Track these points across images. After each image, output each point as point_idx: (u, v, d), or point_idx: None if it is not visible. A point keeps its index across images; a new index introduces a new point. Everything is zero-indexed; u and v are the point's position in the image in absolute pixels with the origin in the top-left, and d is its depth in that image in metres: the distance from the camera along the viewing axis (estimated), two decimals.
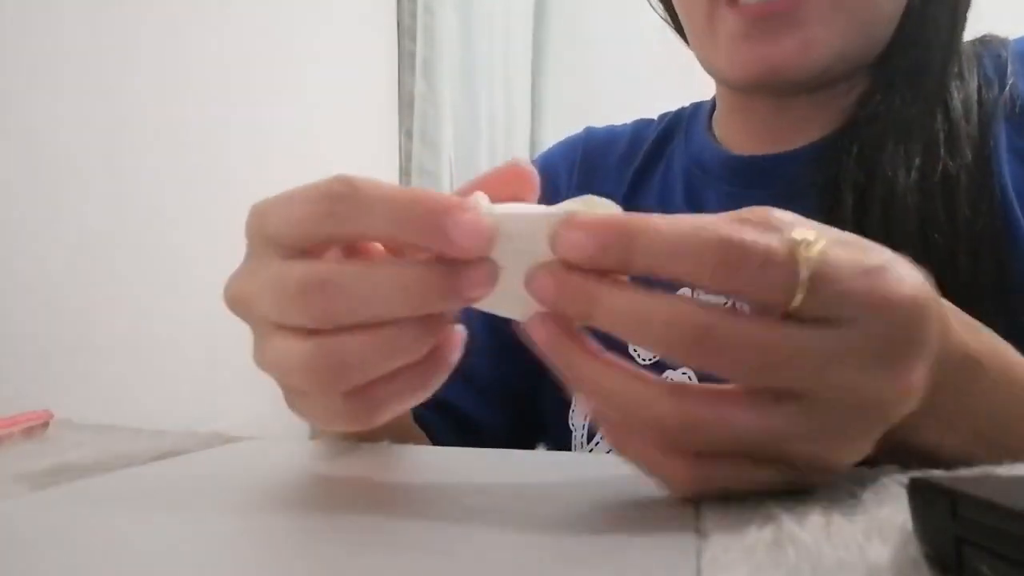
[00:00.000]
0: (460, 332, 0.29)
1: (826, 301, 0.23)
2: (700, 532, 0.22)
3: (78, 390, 0.93)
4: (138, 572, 0.20)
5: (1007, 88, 0.48)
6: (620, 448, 0.26)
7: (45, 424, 0.45)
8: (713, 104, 0.62)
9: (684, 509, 0.24)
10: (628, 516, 0.24)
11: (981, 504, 0.17)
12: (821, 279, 0.23)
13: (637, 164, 0.61)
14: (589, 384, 0.25)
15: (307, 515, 0.26)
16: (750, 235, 0.23)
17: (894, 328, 0.24)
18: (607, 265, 0.24)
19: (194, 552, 0.21)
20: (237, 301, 0.29)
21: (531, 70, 2.02)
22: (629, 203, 0.58)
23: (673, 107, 0.67)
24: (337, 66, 1.51)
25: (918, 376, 0.25)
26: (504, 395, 0.59)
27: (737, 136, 0.57)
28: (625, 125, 0.66)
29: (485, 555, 0.21)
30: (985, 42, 0.52)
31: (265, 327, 0.28)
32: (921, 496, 0.19)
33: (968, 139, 0.46)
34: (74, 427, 0.46)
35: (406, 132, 1.67)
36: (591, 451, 0.53)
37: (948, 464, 0.27)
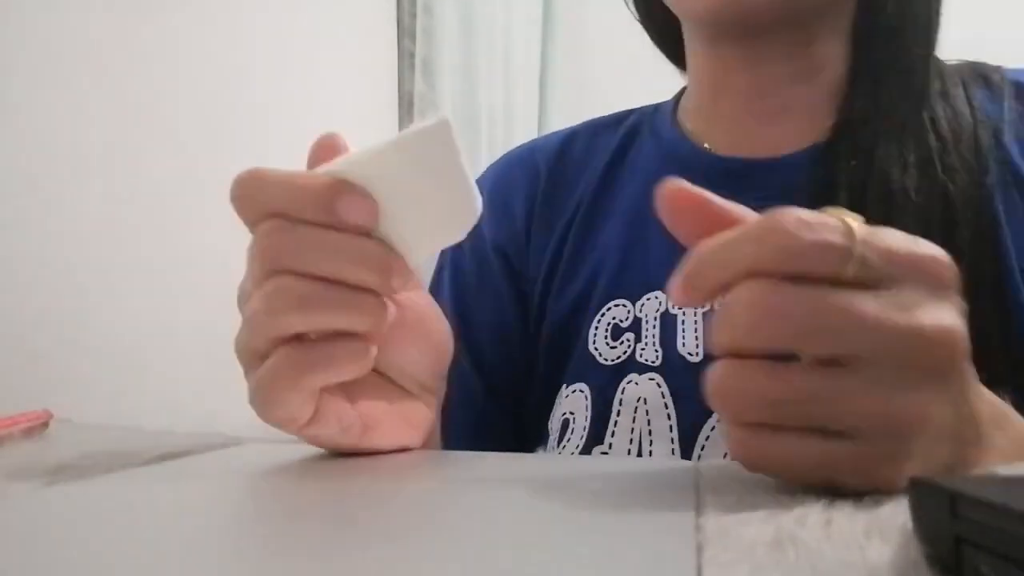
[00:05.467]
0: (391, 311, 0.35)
1: (877, 263, 0.25)
2: (700, 531, 0.22)
3: (78, 390, 0.93)
4: (137, 572, 0.20)
5: (1013, 126, 0.48)
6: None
7: (45, 424, 0.45)
8: (677, 100, 0.61)
9: (684, 508, 0.24)
10: (628, 515, 0.24)
11: (981, 504, 0.17)
12: (872, 243, 0.25)
13: (608, 159, 0.60)
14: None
15: (307, 516, 0.26)
16: (805, 214, 0.25)
17: (933, 284, 0.26)
18: None
19: (194, 553, 0.21)
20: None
21: (535, 71, 2.01)
22: (601, 198, 0.58)
23: None
24: (337, 66, 1.51)
25: (956, 323, 0.26)
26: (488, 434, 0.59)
27: (714, 130, 0.56)
28: (570, 128, 0.65)
29: (484, 555, 0.21)
30: (976, 68, 0.53)
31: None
32: (921, 496, 0.19)
33: (961, 161, 0.46)
34: (74, 427, 0.47)
35: None
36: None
37: None
